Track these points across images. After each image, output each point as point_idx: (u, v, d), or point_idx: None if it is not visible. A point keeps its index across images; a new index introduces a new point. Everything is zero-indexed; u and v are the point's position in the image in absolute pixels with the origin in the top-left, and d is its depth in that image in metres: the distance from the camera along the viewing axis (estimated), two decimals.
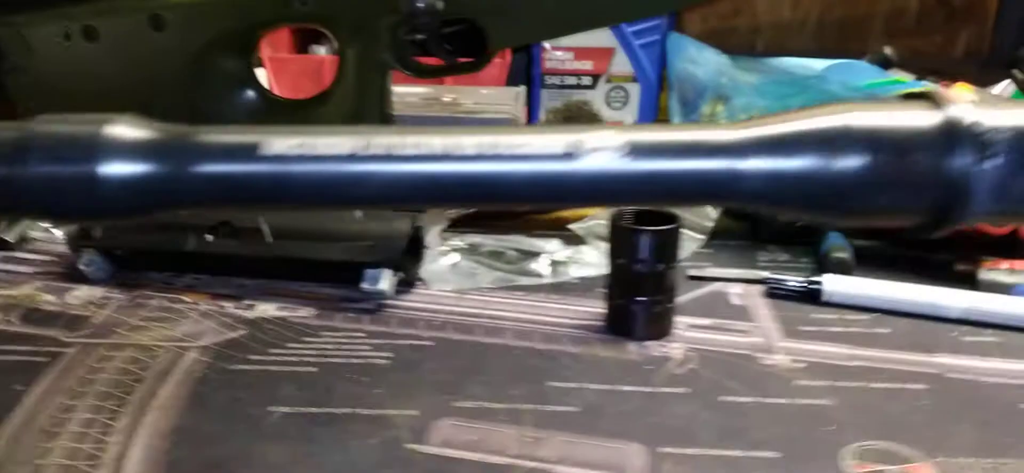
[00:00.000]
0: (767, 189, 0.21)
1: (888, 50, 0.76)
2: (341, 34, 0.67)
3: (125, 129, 0.21)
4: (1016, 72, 0.77)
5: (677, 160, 0.21)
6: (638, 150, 0.21)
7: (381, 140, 0.21)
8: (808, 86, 0.63)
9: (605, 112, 0.93)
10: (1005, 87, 0.82)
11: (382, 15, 0.65)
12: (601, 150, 0.21)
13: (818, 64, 0.67)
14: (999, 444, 0.42)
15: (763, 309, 0.56)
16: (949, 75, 1.10)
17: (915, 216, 0.21)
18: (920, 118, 0.21)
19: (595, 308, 0.55)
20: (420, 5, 0.62)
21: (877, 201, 0.21)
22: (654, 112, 0.93)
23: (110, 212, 0.21)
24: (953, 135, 0.21)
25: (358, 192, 0.21)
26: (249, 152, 0.21)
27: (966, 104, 0.21)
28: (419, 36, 0.66)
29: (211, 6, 0.69)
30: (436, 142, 0.21)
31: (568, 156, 0.21)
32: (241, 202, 0.21)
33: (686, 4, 0.85)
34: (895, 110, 0.21)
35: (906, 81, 0.65)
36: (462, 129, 0.21)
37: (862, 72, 0.65)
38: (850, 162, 0.21)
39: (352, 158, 0.20)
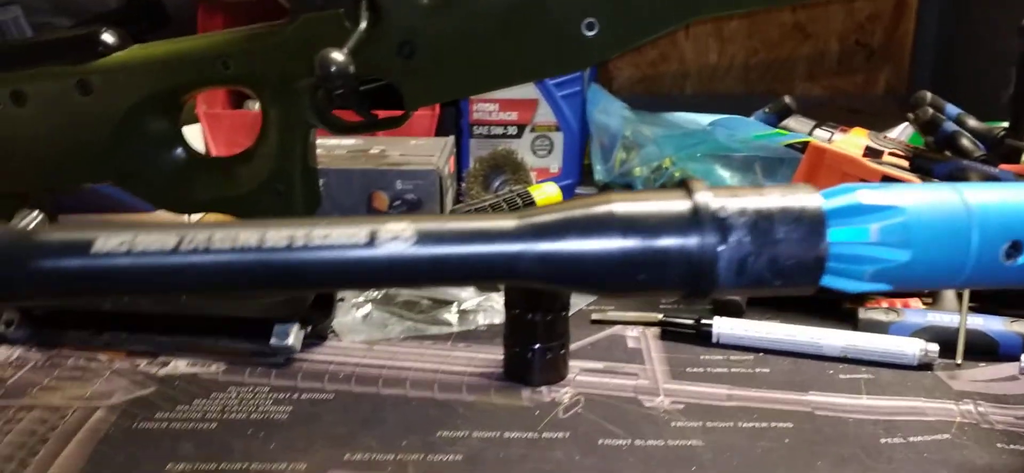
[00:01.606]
0: (540, 270, 0.24)
1: (788, 99, 0.80)
2: (263, 95, 0.70)
3: None
4: (910, 114, 0.81)
5: (462, 246, 0.24)
6: (428, 238, 0.24)
7: (200, 236, 0.23)
8: (701, 138, 0.67)
9: (530, 159, 0.96)
10: (903, 129, 0.87)
11: (302, 76, 0.68)
12: (397, 239, 0.24)
13: (705, 119, 0.71)
14: None
15: (656, 351, 0.59)
16: (865, 114, 1.16)
17: (671, 290, 0.25)
18: (673, 205, 0.24)
19: (496, 355, 0.58)
20: (333, 70, 0.65)
21: (636, 277, 0.24)
22: (579, 159, 0.97)
23: None
24: (700, 220, 0.24)
25: (179, 282, 0.23)
26: (83, 249, 0.23)
27: (713, 192, 0.24)
28: (339, 94, 0.69)
29: (137, 70, 0.71)
30: (250, 236, 0.23)
31: (368, 244, 0.24)
32: (76, 294, 0.23)
33: (581, 68, 0.89)
34: (652, 200, 0.25)
35: (789, 133, 0.69)
36: (275, 222, 0.24)
37: (747, 126, 0.69)
38: (611, 244, 0.24)
39: (171, 253, 0.23)
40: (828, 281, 0.25)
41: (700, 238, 0.24)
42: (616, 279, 0.24)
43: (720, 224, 0.24)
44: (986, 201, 0.25)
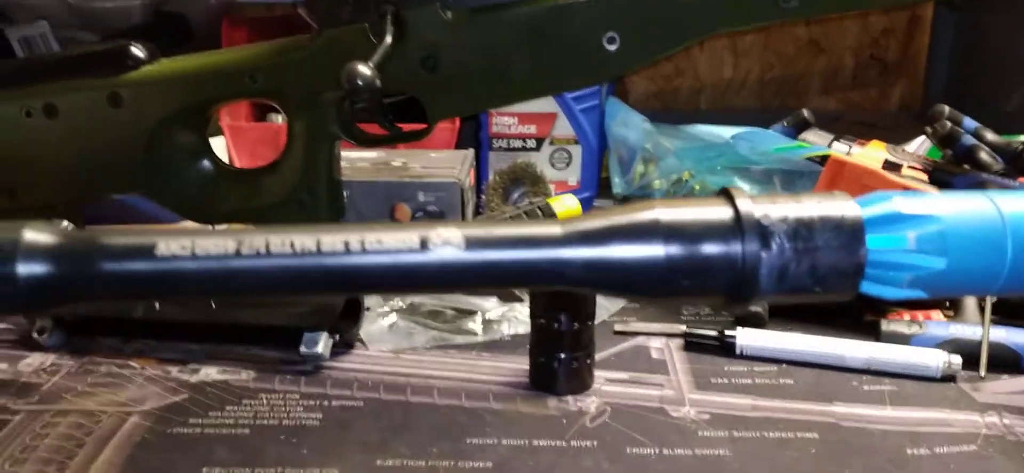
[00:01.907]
0: (588, 275, 0.25)
1: (806, 113, 0.81)
2: (289, 107, 0.71)
3: (39, 235, 0.25)
4: (928, 128, 0.82)
5: (511, 251, 0.25)
6: (477, 243, 0.25)
7: (258, 240, 0.24)
8: (721, 150, 0.68)
9: (549, 172, 0.97)
10: (921, 143, 0.88)
11: (328, 90, 0.69)
12: (448, 244, 0.24)
13: (727, 132, 0.72)
14: None
15: (680, 362, 0.59)
16: (880, 128, 1.16)
17: (714, 296, 0.25)
18: (716, 213, 0.25)
19: (522, 364, 0.58)
20: (360, 83, 0.66)
21: (680, 284, 0.25)
22: (597, 172, 0.98)
23: (28, 307, 0.24)
24: (742, 227, 0.25)
25: (238, 286, 0.24)
26: (147, 253, 0.24)
27: (753, 200, 0.25)
28: (362, 108, 0.70)
29: (166, 84, 0.73)
30: (307, 240, 0.24)
31: (421, 249, 0.24)
32: (140, 296, 0.24)
33: (601, 82, 0.90)
34: (696, 206, 0.25)
35: (809, 146, 0.70)
36: (328, 227, 0.25)
37: (768, 138, 0.69)
38: (656, 251, 0.25)
39: (233, 256, 0.24)
40: (866, 287, 0.26)
41: (743, 245, 0.25)
42: (661, 285, 0.25)
43: (763, 232, 0.25)
44: (1019, 209, 0.26)
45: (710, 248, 0.25)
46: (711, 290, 0.25)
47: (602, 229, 0.25)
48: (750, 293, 0.25)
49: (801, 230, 0.25)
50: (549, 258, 0.25)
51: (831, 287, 0.25)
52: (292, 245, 0.24)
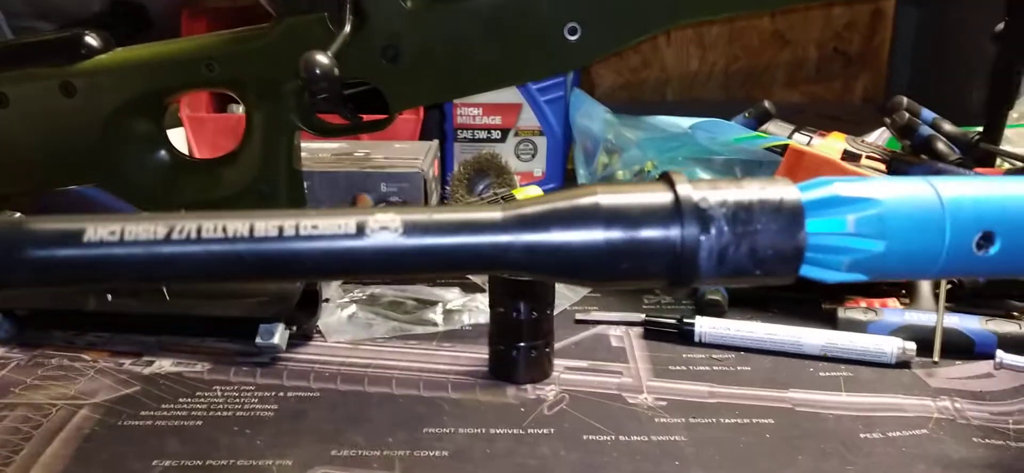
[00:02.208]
0: (529, 260, 0.25)
1: (767, 104, 0.82)
2: (248, 97, 0.70)
3: None
4: (888, 119, 0.82)
5: (450, 236, 0.24)
6: (416, 228, 0.24)
7: (190, 225, 0.24)
8: (683, 141, 0.68)
9: (514, 163, 0.97)
10: (880, 134, 0.89)
11: (286, 79, 0.68)
12: (385, 229, 0.24)
13: (686, 122, 0.72)
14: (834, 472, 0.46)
15: (639, 350, 0.60)
16: (843, 120, 1.17)
17: (654, 279, 0.25)
18: (655, 197, 0.25)
19: (481, 354, 0.58)
20: (318, 72, 0.65)
21: (620, 267, 0.25)
22: (562, 163, 0.98)
23: None
24: (681, 211, 0.25)
25: (169, 272, 0.23)
26: (75, 239, 0.23)
27: (693, 184, 0.25)
28: (323, 98, 0.69)
29: (120, 73, 0.71)
30: (239, 225, 0.24)
31: (356, 235, 0.24)
32: (69, 283, 0.23)
33: (566, 71, 0.90)
34: (636, 191, 0.25)
35: (769, 136, 0.70)
36: (262, 212, 0.24)
37: (727, 129, 0.70)
38: (596, 235, 0.25)
39: (163, 242, 0.23)
40: (806, 271, 0.26)
41: (682, 229, 0.25)
42: (601, 269, 0.25)
43: (701, 215, 0.25)
44: (958, 194, 0.26)
45: (649, 232, 0.25)
46: (651, 273, 0.25)
47: (542, 214, 0.25)
48: (690, 276, 0.25)
49: (740, 214, 0.25)
50: (489, 243, 0.25)
51: (771, 270, 0.25)
52: (224, 230, 0.24)
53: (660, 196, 0.25)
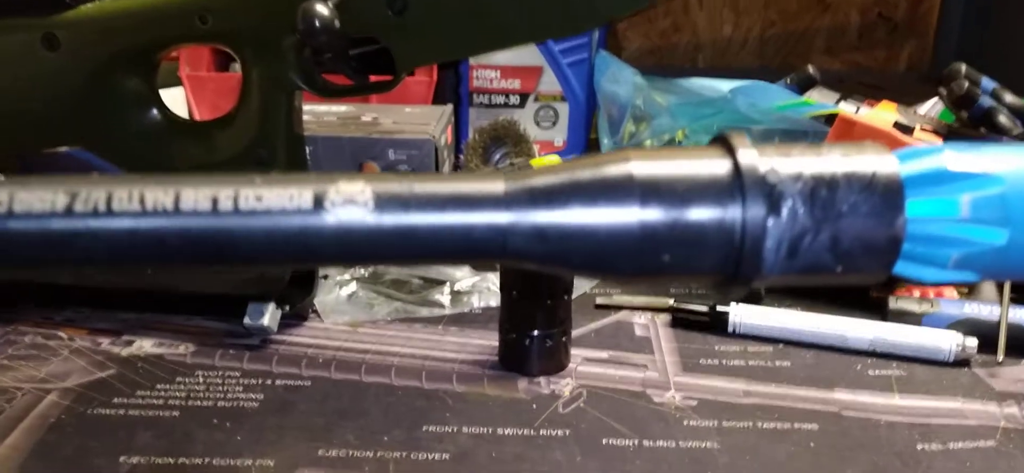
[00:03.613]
0: (538, 247, 0.19)
1: (812, 69, 0.75)
2: (244, 54, 0.65)
3: None
4: (942, 90, 0.76)
5: (436, 214, 0.19)
6: (392, 202, 0.19)
7: (99, 193, 0.18)
8: (719, 107, 0.62)
9: (533, 131, 0.91)
10: (933, 105, 0.82)
11: (285, 34, 0.62)
12: (351, 203, 0.18)
13: (725, 85, 0.65)
14: None
15: (666, 340, 0.54)
16: (887, 90, 1.10)
17: (704, 275, 0.19)
18: (709, 166, 0.19)
19: (491, 341, 0.52)
20: (317, 24, 0.59)
21: (659, 259, 0.19)
22: (585, 131, 0.91)
23: None
24: (742, 185, 0.19)
25: (68, 255, 0.18)
26: None
27: (759, 150, 0.19)
28: (326, 55, 0.64)
29: (107, 24, 0.66)
30: (162, 195, 0.18)
31: (314, 210, 0.18)
32: None
33: (591, 26, 0.83)
34: (683, 158, 0.19)
35: (815, 103, 0.63)
36: (196, 178, 0.19)
37: (770, 94, 0.63)
38: (628, 215, 0.19)
39: (62, 215, 0.18)
40: (902, 268, 0.20)
41: (744, 209, 0.19)
42: (634, 261, 0.19)
43: (770, 192, 0.19)
44: None
45: (699, 212, 0.19)
46: (700, 268, 0.19)
47: (558, 186, 0.19)
48: (751, 272, 0.19)
49: (820, 191, 0.19)
50: (487, 224, 0.19)
51: (857, 266, 0.19)
52: (141, 200, 0.18)
53: (715, 164, 0.19)
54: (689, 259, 0.19)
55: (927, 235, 0.19)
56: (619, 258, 0.19)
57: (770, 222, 0.19)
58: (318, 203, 0.18)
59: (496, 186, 0.19)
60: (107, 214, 0.18)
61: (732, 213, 0.19)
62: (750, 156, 0.19)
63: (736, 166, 0.19)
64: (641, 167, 0.19)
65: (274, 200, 0.18)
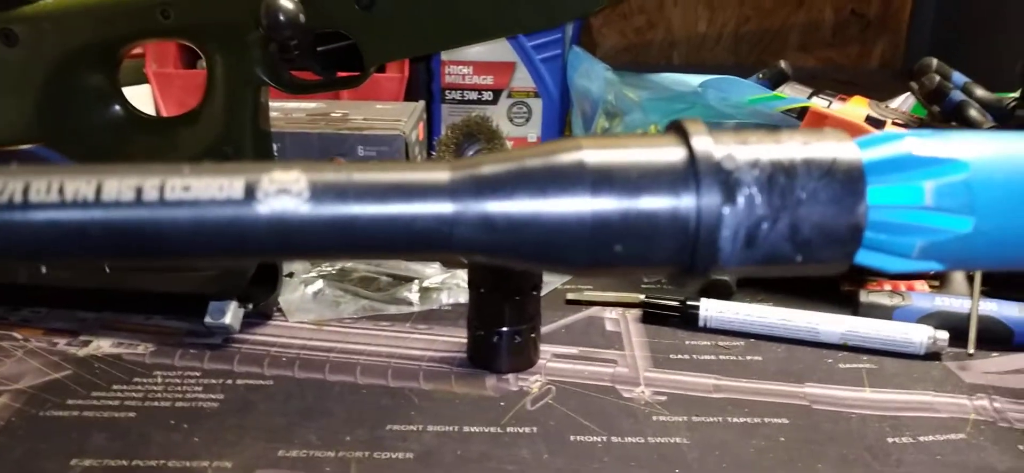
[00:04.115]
0: (484, 238, 0.18)
1: (784, 64, 0.74)
2: (208, 49, 0.63)
3: None
4: (914, 84, 0.76)
5: (376, 204, 0.18)
6: (328, 192, 0.18)
7: (15, 183, 0.17)
8: (691, 101, 0.61)
9: (507, 127, 0.90)
10: (905, 99, 0.82)
11: (249, 29, 0.61)
12: (285, 192, 0.17)
13: (696, 80, 0.65)
14: None
15: (637, 335, 0.53)
16: (860, 86, 1.10)
17: (659, 267, 0.19)
18: (663, 154, 0.18)
19: (460, 338, 0.52)
20: (281, 18, 0.58)
21: (611, 250, 0.18)
22: (559, 128, 0.91)
23: None
24: (697, 173, 0.18)
25: None
26: None
27: (715, 137, 0.18)
28: (293, 50, 0.63)
29: (66, 19, 0.65)
30: (83, 185, 0.17)
31: (245, 200, 0.17)
32: None
33: (562, 21, 0.82)
34: (636, 145, 0.19)
35: (785, 98, 0.63)
36: (120, 168, 0.18)
37: (741, 88, 0.63)
38: (579, 205, 0.18)
39: None
40: (864, 257, 0.19)
41: (698, 198, 0.18)
42: (585, 252, 0.18)
43: (725, 179, 0.18)
44: None
45: (653, 201, 0.18)
46: (655, 258, 0.18)
47: (507, 174, 0.18)
48: (708, 262, 0.18)
49: (778, 178, 0.18)
50: (431, 214, 0.18)
51: (818, 256, 0.18)
52: (61, 191, 0.17)
53: (669, 152, 0.18)
54: (643, 250, 0.18)
55: (890, 223, 0.19)
56: (570, 249, 0.18)
57: (726, 211, 0.18)
58: (250, 193, 0.17)
59: (441, 175, 0.18)
60: (23, 206, 0.17)
61: (686, 202, 0.18)
62: (705, 143, 0.18)
63: (691, 153, 0.18)
64: (593, 155, 0.18)
65: (203, 190, 0.17)
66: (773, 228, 0.18)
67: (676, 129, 0.19)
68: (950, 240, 0.19)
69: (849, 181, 0.18)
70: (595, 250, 0.18)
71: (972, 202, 0.19)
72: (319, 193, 0.18)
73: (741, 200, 0.18)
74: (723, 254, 0.18)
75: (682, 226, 0.18)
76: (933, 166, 0.19)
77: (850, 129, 0.60)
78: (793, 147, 0.18)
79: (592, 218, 0.18)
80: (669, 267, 0.19)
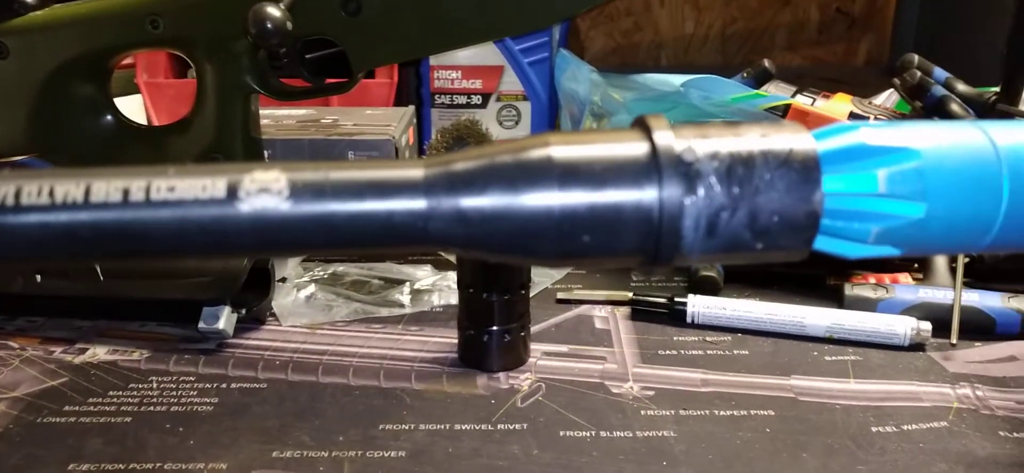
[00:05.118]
0: (458, 232, 0.19)
1: (767, 63, 0.75)
2: (197, 58, 0.64)
3: None
4: (896, 80, 0.77)
5: (353, 201, 0.19)
6: (307, 190, 0.18)
7: (7, 187, 0.18)
8: (675, 101, 0.62)
9: (496, 130, 0.91)
10: (888, 96, 0.83)
11: (238, 37, 0.62)
12: (265, 191, 0.18)
13: (680, 80, 0.66)
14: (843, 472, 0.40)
15: (626, 332, 0.54)
16: (846, 84, 1.11)
17: (624, 256, 0.19)
18: (626, 148, 0.19)
19: (451, 339, 0.52)
20: (269, 26, 0.59)
21: (579, 241, 0.19)
22: (548, 130, 0.91)
23: None
24: (659, 165, 0.19)
25: None
26: None
27: (676, 131, 0.19)
28: (282, 58, 0.63)
29: (57, 31, 0.65)
30: (72, 187, 0.18)
31: (227, 199, 0.18)
32: None
33: (548, 24, 0.83)
34: (601, 141, 0.19)
35: (767, 95, 0.64)
36: (107, 170, 0.18)
37: (724, 87, 0.64)
38: (548, 198, 0.19)
39: None
40: (822, 243, 0.20)
41: (660, 189, 0.19)
42: (554, 243, 0.19)
43: (686, 171, 0.19)
44: (1019, 142, 0.20)
45: (617, 194, 0.19)
46: (621, 248, 0.19)
47: (478, 170, 0.19)
48: (671, 251, 0.19)
49: (737, 169, 0.19)
50: (407, 209, 0.19)
51: (776, 243, 0.19)
52: (51, 193, 0.18)
53: (632, 147, 0.19)
54: (610, 240, 0.19)
55: (846, 210, 0.19)
56: (540, 240, 0.19)
57: (687, 201, 0.19)
58: (232, 193, 0.18)
59: (415, 172, 0.19)
60: (15, 209, 0.18)
61: (649, 193, 0.19)
62: (666, 137, 0.19)
63: (653, 147, 0.19)
64: (560, 150, 0.19)
65: (187, 190, 0.18)
66: (733, 217, 0.19)
67: (640, 125, 0.20)
68: (904, 225, 0.20)
69: (805, 170, 0.19)
70: (563, 241, 0.19)
71: (924, 188, 0.19)
72: (298, 191, 0.18)
73: (701, 191, 0.19)
74: (686, 243, 0.19)
75: (646, 217, 0.19)
76: (886, 154, 0.19)
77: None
78: (751, 139, 0.19)
79: (560, 210, 0.19)
80: (635, 256, 0.19)
